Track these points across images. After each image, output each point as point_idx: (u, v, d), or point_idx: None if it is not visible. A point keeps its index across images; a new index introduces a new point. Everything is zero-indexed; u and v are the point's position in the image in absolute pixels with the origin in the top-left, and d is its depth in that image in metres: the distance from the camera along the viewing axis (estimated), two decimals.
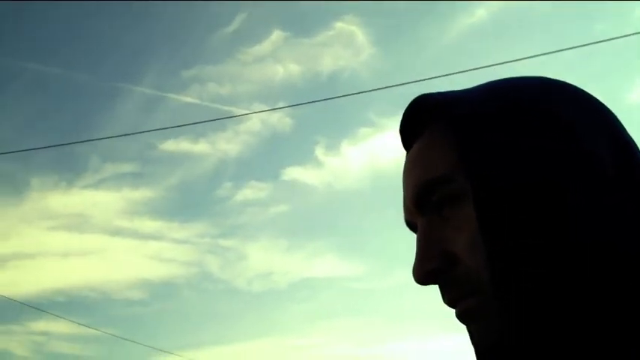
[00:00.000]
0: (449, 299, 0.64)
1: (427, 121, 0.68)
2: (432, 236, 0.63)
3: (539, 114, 0.61)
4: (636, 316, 0.56)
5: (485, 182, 0.59)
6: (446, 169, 0.63)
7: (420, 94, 0.68)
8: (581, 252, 0.57)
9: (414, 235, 0.67)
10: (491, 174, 0.59)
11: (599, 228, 0.57)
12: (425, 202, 0.65)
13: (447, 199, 0.63)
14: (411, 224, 0.70)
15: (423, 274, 0.63)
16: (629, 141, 0.64)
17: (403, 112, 0.69)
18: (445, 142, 0.64)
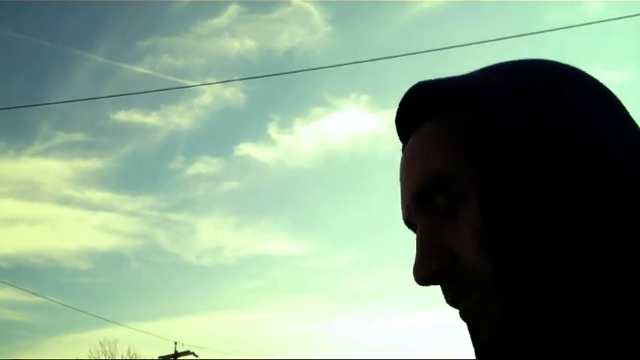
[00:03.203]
0: (451, 299, 0.62)
1: (426, 111, 0.64)
2: (433, 236, 0.61)
3: (551, 102, 0.59)
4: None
5: (494, 169, 0.57)
6: (449, 164, 0.60)
7: (417, 82, 0.65)
8: (593, 250, 0.55)
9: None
10: (500, 161, 0.57)
11: (616, 224, 0.56)
12: (426, 201, 0.62)
13: (449, 197, 0.60)
14: (410, 223, 0.67)
15: (424, 276, 0.61)
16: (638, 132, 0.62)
17: (400, 100, 0.66)
18: (447, 134, 0.61)
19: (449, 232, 0.60)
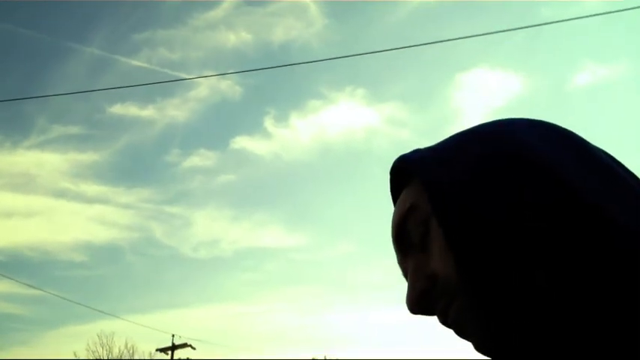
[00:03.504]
0: (441, 318, 0.67)
1: (407, 180, 0.73)
2: (417, 268, 0.68)
3: (516, 157, 0.63)
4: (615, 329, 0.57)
5: (443, 195, 0.64)
6: (412, 201, 0.69)
7: (400, 155, 0.73)
8: (570, 303, 0.59)
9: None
10: (450, 190, 0.64)
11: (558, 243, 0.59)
12: (403, 242, 0.70)
13: (417, 227, 0.68)
14: (405, 272, 0.72)
15: (413, 300, 0.67)
16: (611, 166, 0.65)
17: (390, 170, 0.75)
18: (417, 191, 0.69)
19: (426, 259, 0.67)
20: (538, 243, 0.59)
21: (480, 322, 0.62)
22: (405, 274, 0.72)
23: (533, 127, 0.68)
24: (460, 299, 0.63)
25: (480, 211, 0.61)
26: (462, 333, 0.66)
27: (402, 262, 0.72)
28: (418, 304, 0.67)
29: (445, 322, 0.67)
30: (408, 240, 0.69)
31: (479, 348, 0.64)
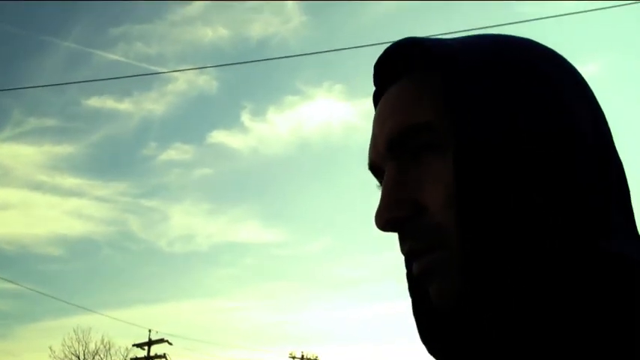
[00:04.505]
0: (409, 249, 0.61)
1: (409, 65, 0.65)
2: (402, 181, 0.61)
3: (530, 72, 0.60)
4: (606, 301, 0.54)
5: (470, 134, 0.57)
6: (429, 117, 0.60)
7: (405, 37, 0.65)
8: (561, 221, 0.56)
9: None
10: (477, 126, 0.57)
11: (577, 197, 0.57)
12: (399, 146, 0.62)
13: (424, 147, 0.60)
14: (375, 168, 0.66)
15: (386, 221, 0.60)
16: (602, 113, 0.64)
17: (384, 50, 0.66)
18: (429, 89, 0.61)
19: (420, 182, 0.60)
20: (538, 167, 0.56)
21: (462, 277, 0.57)
22: (374, 169, 0.66)
23: (554, 57, 0.64)
24: (448, 252, 0.58)
25: (496, 130, 0.57)
26: (426, 280, 0.60)
27: (381, 162, 0.64)
28: (390, 227, 0.61)
29: (410, 256, 0.62)
30: (403, 147, 0.62)
31: (441, 296, 0.59)
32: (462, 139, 0.57)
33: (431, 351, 0.65)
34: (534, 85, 0.59)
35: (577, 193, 0.57)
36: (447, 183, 0.58)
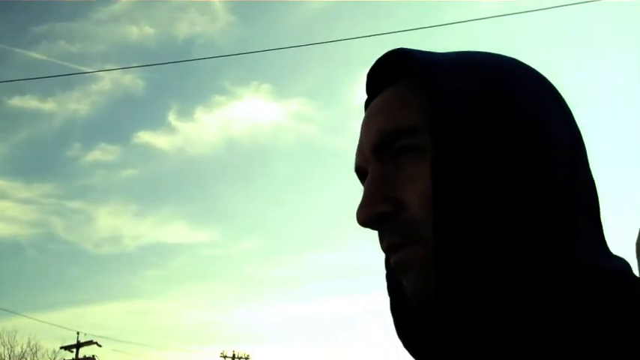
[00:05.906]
0: (388, 245, 0.64)
1: (401, 74, 0.68)
2: (383, 180, 0.63)
3: (512, 97, 0.61)
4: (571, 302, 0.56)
5: (448, 148, 0.59)
6: (415, 123, 0.62)
7: (395, 47, 0.67)
8: (533, 227, 0.58)
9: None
10: (457, 142, 0.59)
11: (546, 202, 0.59)
12: (384, 149, 0.64)
13: (407, 149, 0.63)
14: (360, 171, 0.69)
15: (367, 216, 0.63)
16: (579, 134, 0.65)
17: (378, 57, 0.69)
18: (418, 99, 0.63)
19: (400, 181, 0.63)
20: (521, 188, 0.59)
21: (440, 273, 0.58)
22: (359, 173, 0.69)
23: (531, 76, 0.66)
24: (423, 247, 0.61)
25: (474, 146, 0.59)
26: (402, 272, 0.63)
27: (365, 164, 0.67)
28: (372, 222, 0.64)
29: (389, 251, 0.64)
30: (387, 150, 0.64)
31: (415, 291, 0.62)
32: (440, 151, 0.59)
33: (406, 346, 0.68)
34: (515, 109, 0.61)
35: (546, 199, 0.59)
36: (425, 183, 0.60)
